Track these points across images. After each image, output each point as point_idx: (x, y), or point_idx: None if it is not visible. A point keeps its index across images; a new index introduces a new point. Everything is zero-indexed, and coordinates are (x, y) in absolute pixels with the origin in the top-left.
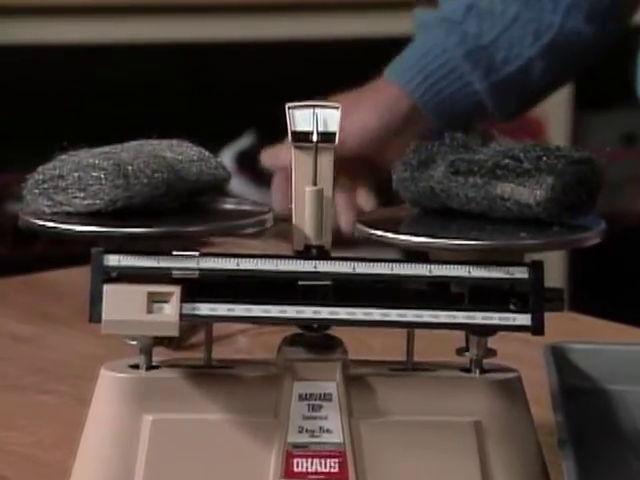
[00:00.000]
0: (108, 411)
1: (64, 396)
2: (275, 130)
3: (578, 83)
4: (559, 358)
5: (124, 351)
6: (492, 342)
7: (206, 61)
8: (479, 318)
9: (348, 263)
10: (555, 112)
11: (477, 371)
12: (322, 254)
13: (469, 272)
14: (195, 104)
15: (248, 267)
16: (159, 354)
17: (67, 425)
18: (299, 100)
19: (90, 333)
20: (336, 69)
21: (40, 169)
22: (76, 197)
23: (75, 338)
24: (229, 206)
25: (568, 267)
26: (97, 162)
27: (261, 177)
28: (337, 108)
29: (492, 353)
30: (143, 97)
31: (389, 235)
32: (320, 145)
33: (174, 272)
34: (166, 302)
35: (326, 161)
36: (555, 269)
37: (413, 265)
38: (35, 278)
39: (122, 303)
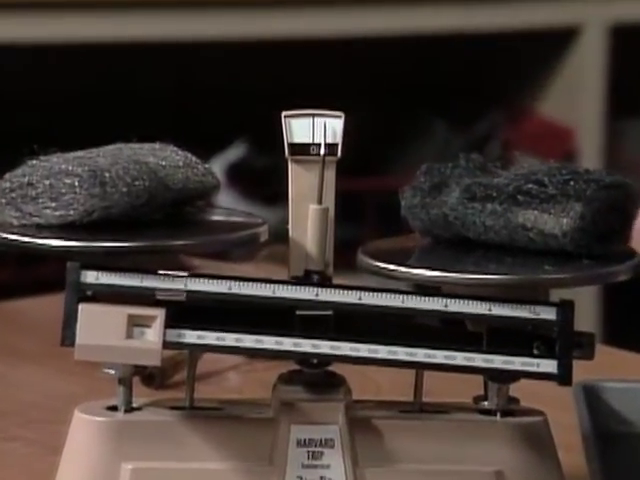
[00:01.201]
0: (82, 459)
1: (33, 443)
2: (269, 139)
3: (612, 86)
4: (592, 398)
5: (100, 390)
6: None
7: (192, 61)
8: (499, 362)
9: (353, 292)
10: (586, 118)
11: (498, 414)
12: (324, 281)
13: (489, 310)
14: (179, 109)
15: (241, 292)
16: (139, 394)
17: (36, 476)
18: (298, 106)
19: (62, 370)
20: (340, 71)
21: (7, 176)
22: (47, 207)
23: (45, 376)
24: (219, 217)
25: (600, 296)
26: (71, 168)
27: (254, 192)
28: (340, 117)
29: (514, 402)
30: (121, 101)
31: (397, 268)
32: (317, 159)
33: (158, 293)
34: (148, 327)
35: (329, 176)
36: (585, 300)
37: (427, 299)
38: (0, 307)
39: (99, 325)
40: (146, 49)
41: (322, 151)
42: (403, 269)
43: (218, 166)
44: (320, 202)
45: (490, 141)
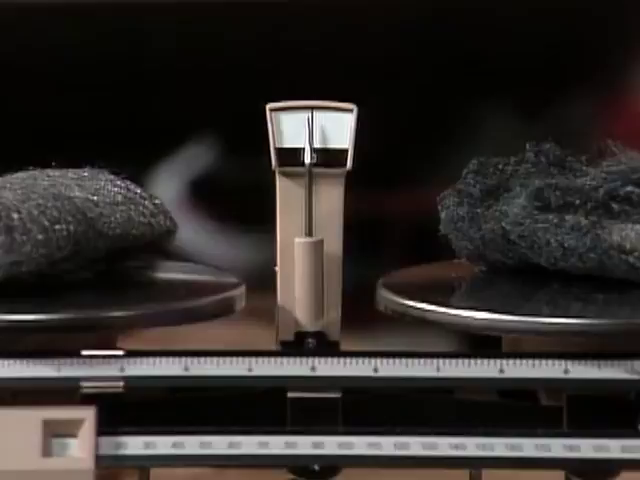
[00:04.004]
0: None
1: None
2: (248, 138)
3: None
4: None
5: None
6: None
7: (136, 28)
8: (587, 449)
9: (366, 361)
10: None
11: None
12: (324, 347)
13: (566, 372)
14: (118, 95)
15: (203, 373)
16: None
17: None
18: (287, 94)
19: None
20: (353, 41)
21: None
22: None
23: None
24: (174, 275)
25: None
26: None
27: (228, 215)
28: (351, 110)
29: None
30: (32, 85)
31: (435, 309)
32: (318, 171)
33: (85, 385)
34: (73, 436)
35: (332, 195)
36: None
37: (474, 362)
38: None
39: (3, 441)
40: (69, 13)
41: (308, 158)
42: (448, 311)
43: (176, 177)
44: (310, 233)
45: (576, 140)
